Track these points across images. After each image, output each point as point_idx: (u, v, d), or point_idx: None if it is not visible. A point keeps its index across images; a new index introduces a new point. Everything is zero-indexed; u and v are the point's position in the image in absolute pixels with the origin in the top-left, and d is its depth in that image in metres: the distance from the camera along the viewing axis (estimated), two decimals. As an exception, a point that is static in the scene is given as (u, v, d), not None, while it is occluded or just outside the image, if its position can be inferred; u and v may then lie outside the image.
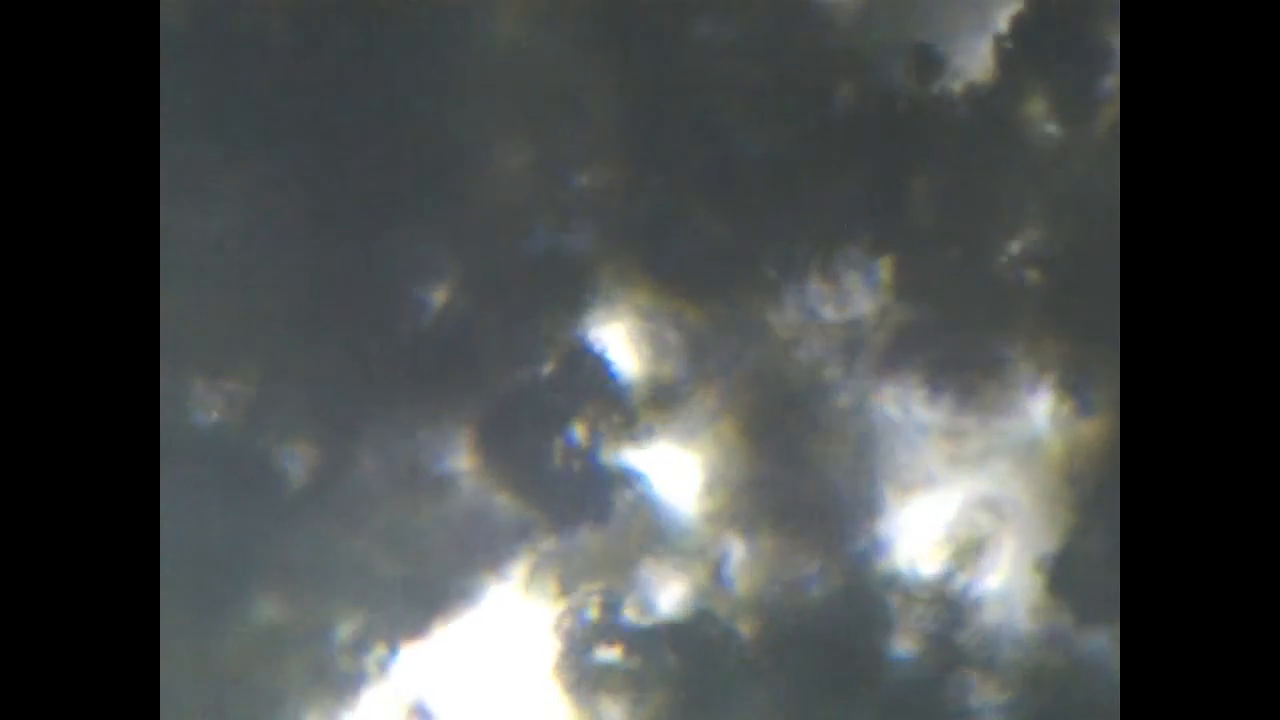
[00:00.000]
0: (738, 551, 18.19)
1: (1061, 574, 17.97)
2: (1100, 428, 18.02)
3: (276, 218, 17.36)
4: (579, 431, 18.13)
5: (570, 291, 18.05)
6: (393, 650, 17.93)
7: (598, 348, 18.19)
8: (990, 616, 18.07)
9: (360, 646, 17.85)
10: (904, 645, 18.06)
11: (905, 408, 18.24)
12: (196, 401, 17.37)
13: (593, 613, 18.07)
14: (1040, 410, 18.21)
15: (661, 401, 18.22)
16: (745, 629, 18.05)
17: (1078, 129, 18.06)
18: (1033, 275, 18.10)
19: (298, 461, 17.73)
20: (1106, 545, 17.68)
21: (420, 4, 17.52)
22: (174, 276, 13.95)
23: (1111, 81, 17.82)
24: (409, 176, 17.55)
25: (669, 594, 18.15)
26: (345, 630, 17.79)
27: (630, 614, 18.06)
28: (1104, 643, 17.82)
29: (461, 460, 18.03)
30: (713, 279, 18.16)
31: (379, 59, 17.53)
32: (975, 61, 18.17)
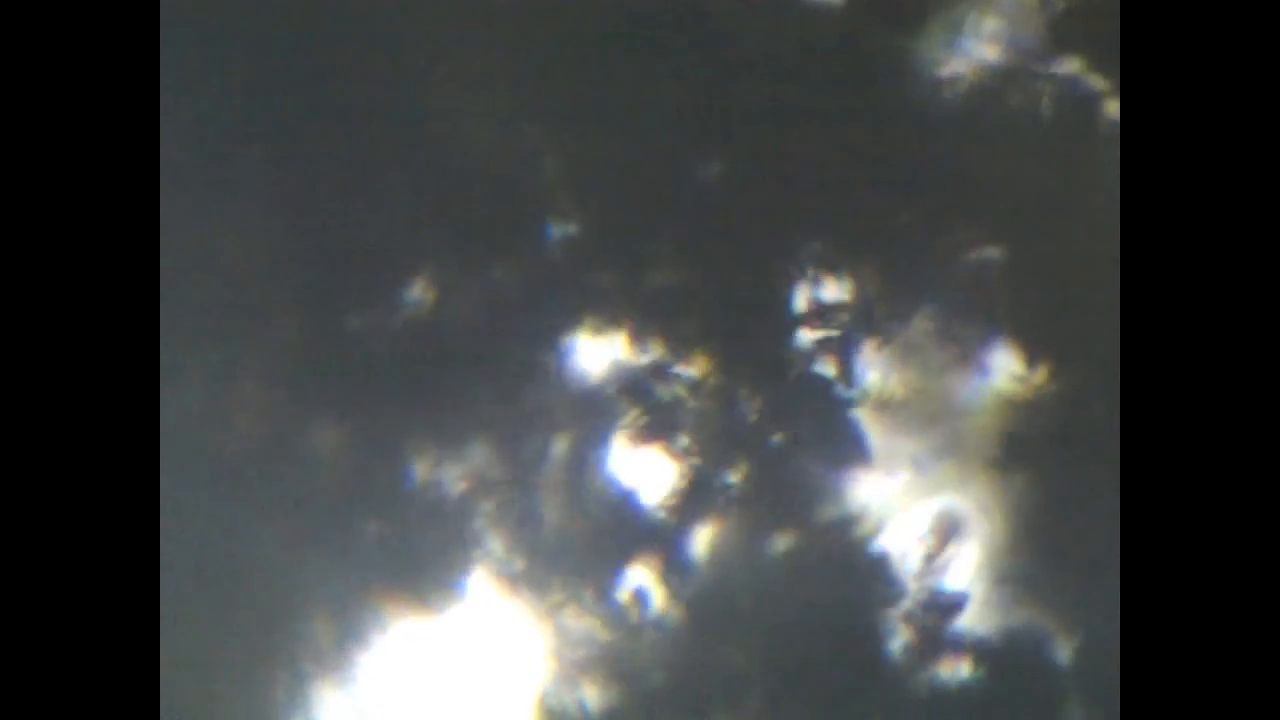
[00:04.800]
0: (715, 546, 18.24)
1: (1034, 563, 18.10)
2: (1081, 418, 18.15)
3: (276, 221, 17.35)
4: (565, 433, 18.17)
5: (558, 296, 18.09)
6: (371, 644, 17.92)
7: (584, 352, 18.23)
8: (963, 605, 18.18)
9: (338, 639, 17.82)
10: (880, 634, 18.14)
11: (877, 396, 18.33)
12: (190, 400, 17.34)
13: (574, 611, 18.10)
14: (1020, 403, 18.34)
15: (644, 403, 18.28)
16: (725, 623, 18.11)
17: (1061, 128, 18.25)
18: (1019, 271, 18.25)
19: (288, 460, 17.72)
20: (1081, 535, 17.80)
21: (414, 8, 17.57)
22: (173, 278, 13.94)
23: (1111, 79, 18.04)
24: (402, 183, 17.58)
25: (649, 591, 18.18)
26: (324, 623, 17.76)
27: (614, 612, 18.10)
28: (1080, 634, 17.97)
29: (450, 461, 18.04)
30: (698, 281, 18.24)
31: (370, 55, 17.54)
32: (958, 62, 18.30)
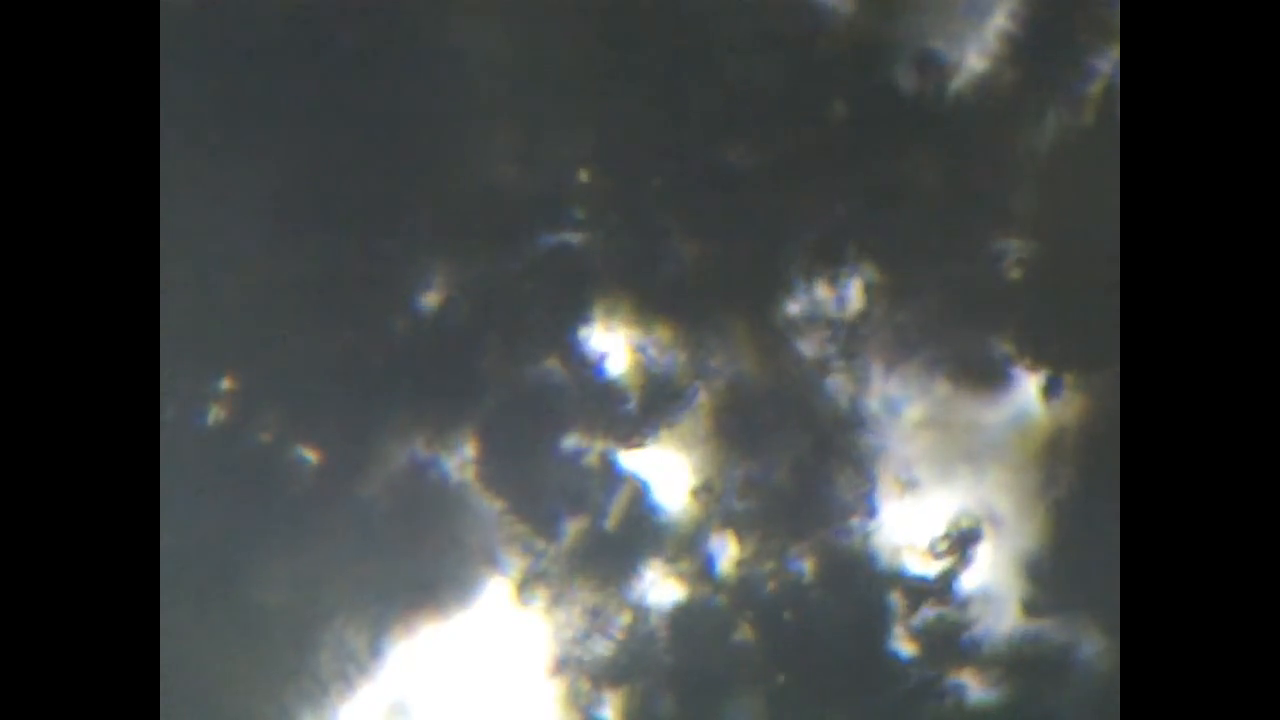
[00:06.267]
0: (730, 549, 18.21)
1: (1048, 570, 18.03)
2: (1093, 424, 18.07)
3: (278, 220, 17.38)
4: (576, 434, 18.15)
5: (568, 295, 18.06)
6: (387, 650, 17.90)
7: (594, 351, 18.20)
8: (979, 613, 18.11)
9: (354, 642, 17.82)
10: (897, 641, 18.10)
11: (895, 405, 18.27)
12: (194, 401, 17.38)
13: (587, 612, 18.07)
14: (1029, 408, 18.26)
15: (656, 404, 18.24)
16: (739, 625, 18.07)
17: (1070, 131, 18.17)
18: (1027, 274, 18.18)
19: (298, 462, 17.74)
20: (1094, 541, 17.71)
21: (416, 5, 17.57)
22: (175, 278, 13.99)
23: (1111, 79, 17.93)
24: (406, 180, 17.59)
25: (663, 592, 18.16)
26: (340, 627, 17.76)
27: (625, 613, 18.07)
28: (1092, 639, 17.90)
29: (460, 462, 18.04)
30: (705, 281, 18.19)
31: (377, 57, 17.55)
32: (968, 65, 18.23)
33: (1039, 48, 18.10)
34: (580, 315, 18.16)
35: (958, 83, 18.16)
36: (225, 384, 17.58)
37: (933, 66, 18.13)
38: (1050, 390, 18.19)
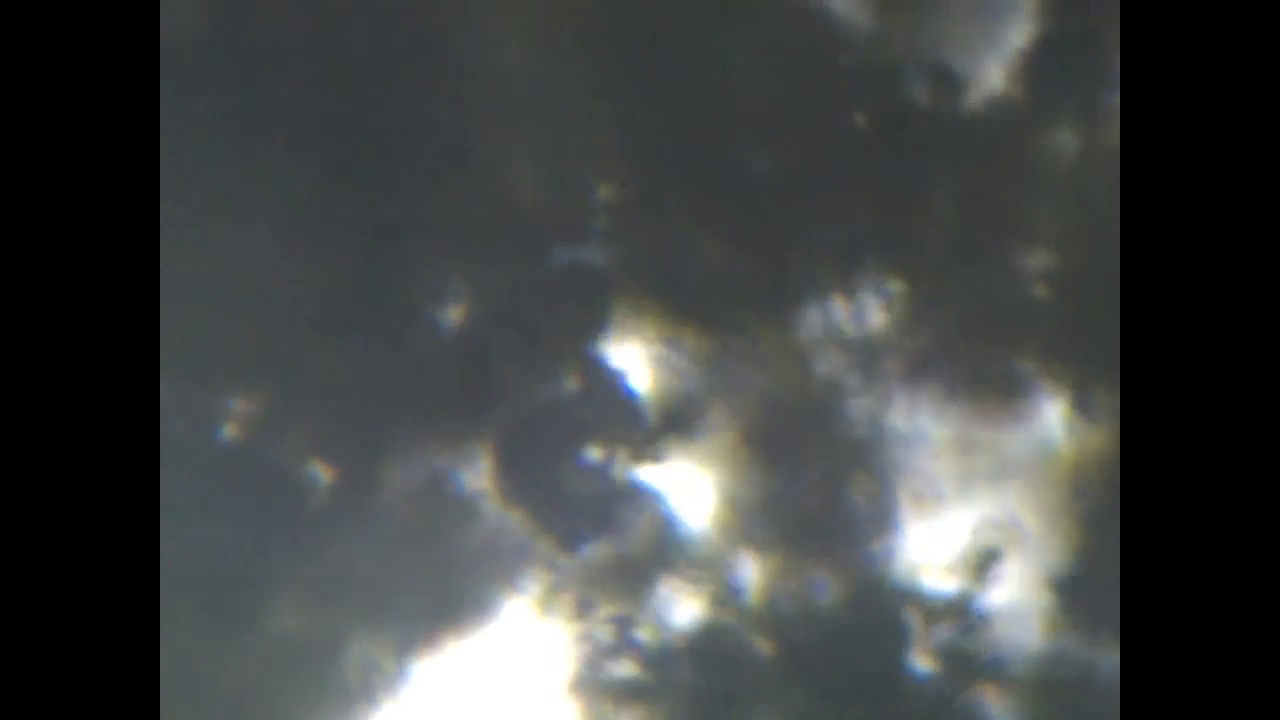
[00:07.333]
0: (751, 567, 18.15)
1: (1072, 590, 17.92)
2: (1111, 441, 17.95)
3: (293, 233, 17.44)
4: (595, 449, 18.13)
5: (587, 309, 18.06)
6: (408, 666, 17.92)
7: (614, 365, 18.19)
8: (1002, 631, 18.03)
9: (374, 662, 17.84)
10: (918, 660, 18.01)
11: (918, 423, 18.20)
12: (213, 417, 17.47)
13: (608, 629, 18.04)
14: (1053, 425, 18.16)
15: (676, 419, 18.20)
16: (760, 644, 18.01)
17: (1092, 145, 18.07)
18: (1046, 290, 18.08)
19: (315, 478, 17.78)
20: (1117, 560, 17.54)
21: (435, 18, 17.63)
22: (187, 292, 14.05)
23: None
24: (425, 192, 17.63)
25: (684, 610, 18.12)
26: (360, 645, 17.78)
27: (645, 631, 18.02)
28: (1114, 659, 17.76)
29: (478, 477, 18.04)
30: (726, 296, 18.15)
31: (395, 71, 17.62)
32: (990, 78, 18.17)
33: (1064, 59, 18.04)
34: (600, 329, 18.15)
35: (980, 95, 18.13)
36: (244, 400, 17.67)
37: (954, 79, 18.09)
38: (1077, 407, 18.10)
